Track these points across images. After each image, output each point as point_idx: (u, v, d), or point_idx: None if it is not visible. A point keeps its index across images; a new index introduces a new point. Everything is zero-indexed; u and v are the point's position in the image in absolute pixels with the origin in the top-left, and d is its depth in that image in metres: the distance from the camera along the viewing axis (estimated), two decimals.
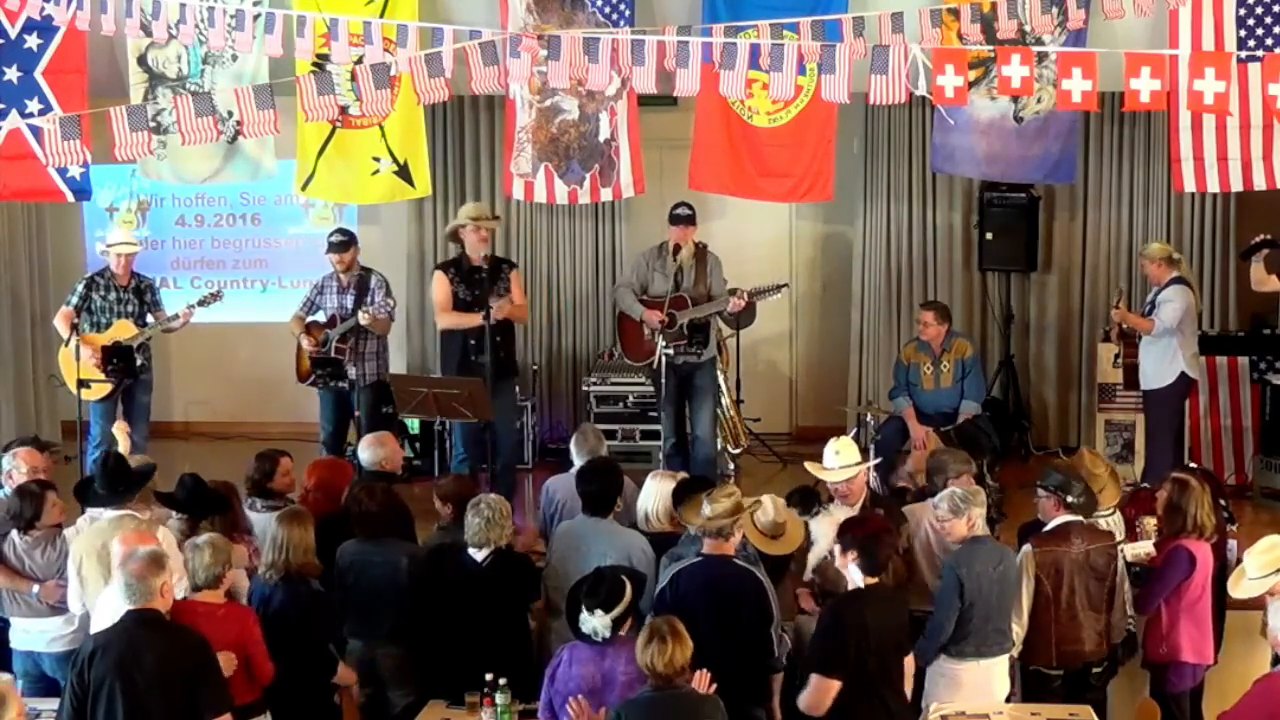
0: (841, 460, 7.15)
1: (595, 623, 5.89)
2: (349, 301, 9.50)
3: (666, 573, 6.57)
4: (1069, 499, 6.79)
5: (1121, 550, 7.02)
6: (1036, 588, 6.72)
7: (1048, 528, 6.87)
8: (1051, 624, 6.75)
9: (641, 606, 6.17)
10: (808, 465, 7.43)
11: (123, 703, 5.56)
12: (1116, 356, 9.71)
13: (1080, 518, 6.81)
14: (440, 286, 9.24)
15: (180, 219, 12.01)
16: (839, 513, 7.01)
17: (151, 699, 5.63)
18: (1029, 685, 6.86)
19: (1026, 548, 6.78)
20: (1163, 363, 9.25)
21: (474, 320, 9.02)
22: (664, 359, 9.09)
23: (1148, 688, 7.05)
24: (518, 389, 9.94)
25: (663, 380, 9.13)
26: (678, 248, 9.38)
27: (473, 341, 9.07)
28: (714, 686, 5.72)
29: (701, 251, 9.43)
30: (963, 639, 6.60)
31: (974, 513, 6.64)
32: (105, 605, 6.24)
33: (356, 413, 9.40)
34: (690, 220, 9.35)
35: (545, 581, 7.09)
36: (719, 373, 9.91)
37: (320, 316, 9.58)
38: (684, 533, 6.89)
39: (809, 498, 7.28)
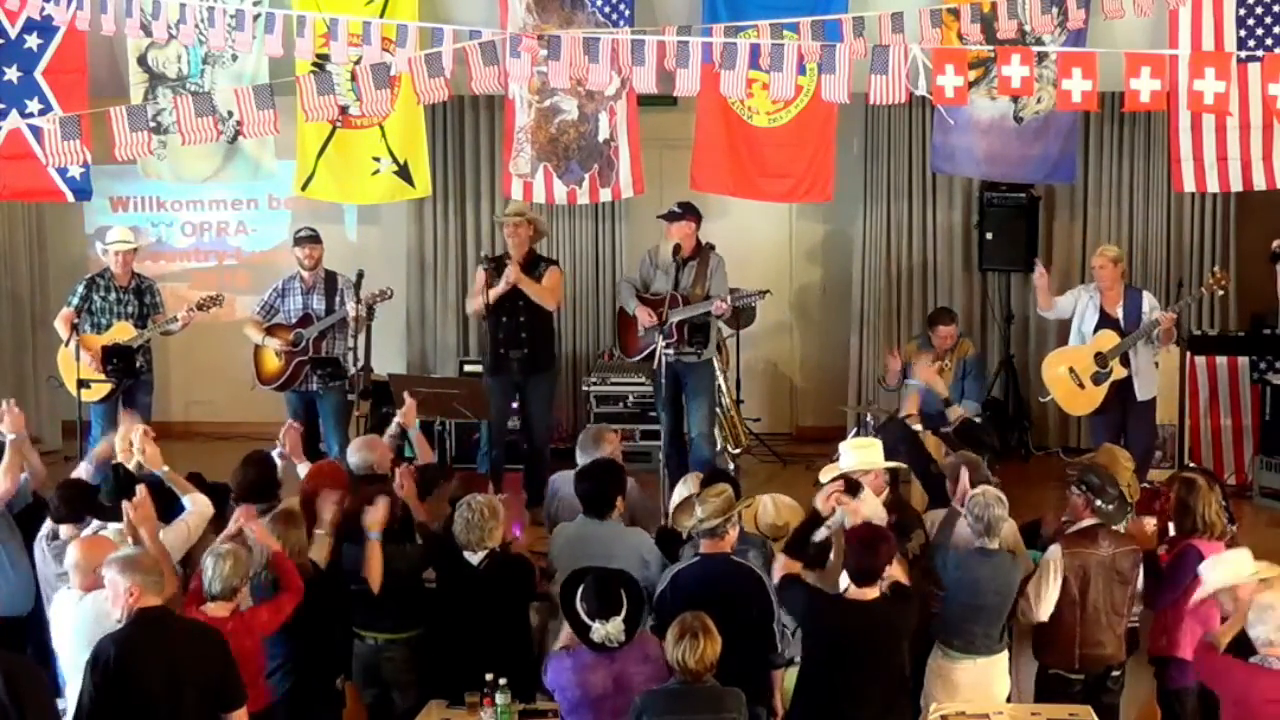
0: (856, 459, 7.14)
1: (609, 629, 5.88)
2: (315, 302, 9.46)
3: (667, 574, 6.59)
4: (1097, 503, 6.80)
5: None
6: (1063, 588, 6.71)
7: (1075, 529, 6.87)
8: (1076, 625, 6.75)
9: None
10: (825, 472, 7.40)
11: (144, 702, 5.55)
12: (1101, 373, 9.13)
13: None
14: (476, 277, 9.39)
15: (180, 220, 12.01)
16: (871, 499, 6.99)
17: (172, 697, 5.64)
18: (1048, 688, 6.85)
19: (1055, 548, 6.76)
20: (1151, 372, 9.26)
21: (475, 302, 9.19)
22: (664, 359, 9.05)
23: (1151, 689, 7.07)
24: (552, 386, 9.76)
25: (662, 380, 9.11)
26: (659, 247, 9.43)
27: (501, 335, 9.14)
28: None
29: (705, 252, 9.36)
30: (948, 630, 6.65)
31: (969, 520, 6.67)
32: (60, 611, 6.26)
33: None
34: (674, 216, 9.29)
35: (550, 582, 7.10)
36: (719, 373, 9.91)
37: (280, 320, 9.51)
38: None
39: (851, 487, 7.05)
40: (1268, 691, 5.75)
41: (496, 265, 9.23)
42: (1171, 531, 7.23)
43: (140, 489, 6.59)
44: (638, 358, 9.48)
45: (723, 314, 9.35)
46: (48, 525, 6.84)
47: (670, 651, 5.59)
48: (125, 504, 6.54)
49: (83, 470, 7.28)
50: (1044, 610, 6.72)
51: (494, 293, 9.13)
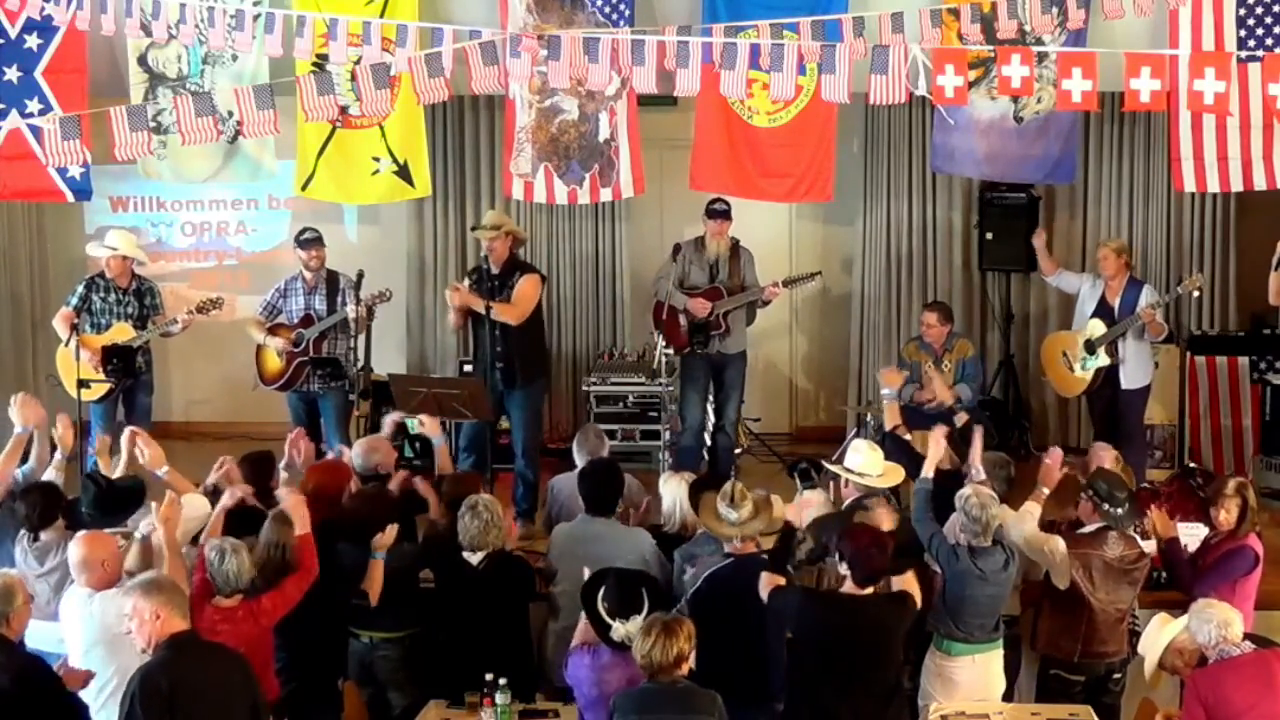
0: (864, 465, 7.20)
1: (629, 629, 5.91)
2: (317, 302, 9.44)
3: (690, 575, 6.62)
4: (1105, 507, 6.86)
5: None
6: (1071, 586, 6.78)
7: (1085, 530, 6.94)
8: (1082, 623, 6.82)
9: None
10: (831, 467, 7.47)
11: None
12: (1088, 360, 9.31)
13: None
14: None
15: (180, 220, 12.01)
16: (819, 499, 7.14)
17: (225, 717, 5.61)
18: (1049, 689, 6.91)
19: (1062, 544, 6.81)
20: (1142, 362, 9.35)
21: (453, 318, 9.13)
22: (663, 358, 9.34)
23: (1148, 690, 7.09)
24: (536, 400, 9.40)
25: (663, 378, 9.48)
26: (701, 241, 9.63)
27: (482, 349, 9.04)
28: None
29: (735, 246, 9.63)
30: (944, 621, 6.69)
31: (963, 520, 6.71)
32: (70, 609, 6.26)
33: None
34: (725, 215, 9.57)
35: (549, 583, 7.12)
36: None
37: (283, 320, 9.49)
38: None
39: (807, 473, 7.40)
40: (1238, 679, 5.81)
41: (476, 275, 9.10)
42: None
43: (170, 495, 6.60)
44: (687, 350, 9.60)
45: (774, 298, 9.67)
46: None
47: (637, 648, 5.62)
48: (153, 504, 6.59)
49: (51, 474, 7.26)
50: (1061, 578, 6.79)
51: (454, 317, 9.10)
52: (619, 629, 5.94)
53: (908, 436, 7.91)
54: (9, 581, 5.85)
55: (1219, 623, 5.90)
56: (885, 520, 6.80)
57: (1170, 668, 6.19)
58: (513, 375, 8.94)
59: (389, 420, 8.40)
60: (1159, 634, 6.21)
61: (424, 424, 8.11)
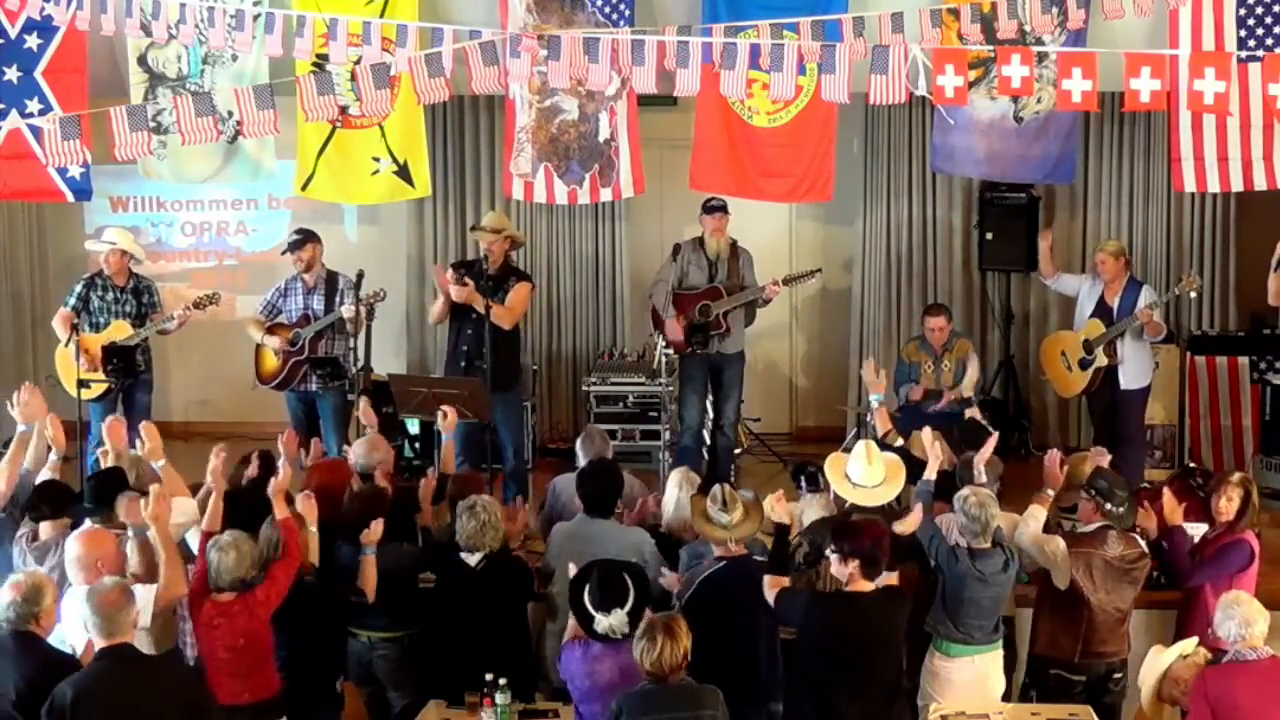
0: (871, 478, 7.12)
1: (612, 621, 5.93)
2: (316, 302, 9.44)
3: (685, 579, 6.63)
4: (1107, 506, 6.87)
5: None
6: (1071, 586, 6.78)
7: (1085, 529, 6.94)
8: (1082, 623, 6.82)
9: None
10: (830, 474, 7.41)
11: None
12: (1086, 359, 9.40)
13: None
14: (441, 282, 9.24)
15: (180, 220, 12.01)
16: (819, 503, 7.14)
17: None
18: (1050, 688, 6.91)
19: (1062, 544, 6.82)
20: (1142, 362, 9.37)
21: (438, 309, 9.16)
22: (663, 358, 9.47)
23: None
24: (517, 403, 9.56)
25: (663, 378, 9.58)
26: (701, 240, 9.66)
27: (464, 348, 9.04)
28: None
29: (734, 247, 9.69)
30: (944, 623, 6.69)
31: (962, 521, 6.69)
32: (69, 611, 6.24)
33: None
34: (722, 209, 9.61)
35: (547, 583, 7.12)
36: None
37: (282, 320, 9.49)
38: None
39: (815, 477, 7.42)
40: (1248, 683, 5.81)
41: (467, 270, 9.05)
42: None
43: (154, 488, 6.59)
44: (687, 351, 9.65)
45: (774, 297, 9.72)
46: (26, 525, 6.85)
47: (638, 653, 5.63)
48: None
49: (47, 475, 7.25)
50: (1062, 578, 6.79)
51: (439, 307, 9.10)
52: (602, 621, 5.95)
53: (899, 443, 7.90)
54: (39, 580, 5.86)
55: (1241, 620, 5.88)
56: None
57: (1168, 698, 6.15)
58: (498, 378, 8.93)
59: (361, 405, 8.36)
60: (1155, 664, 6.18)
61: (446, 416, 8.05)
